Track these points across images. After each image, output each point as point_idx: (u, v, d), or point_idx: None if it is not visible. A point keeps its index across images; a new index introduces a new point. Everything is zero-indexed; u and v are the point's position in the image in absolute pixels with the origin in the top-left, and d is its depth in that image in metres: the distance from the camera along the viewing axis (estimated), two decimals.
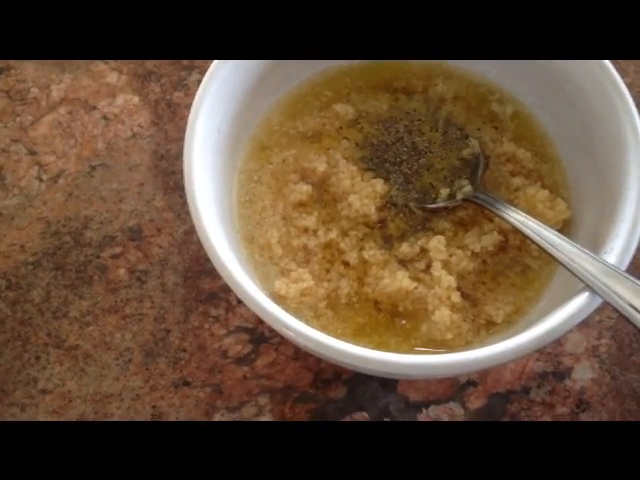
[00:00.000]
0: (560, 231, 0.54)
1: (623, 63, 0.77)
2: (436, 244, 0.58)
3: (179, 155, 0.72)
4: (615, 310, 0.47)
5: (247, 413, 0.62)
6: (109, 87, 0.78)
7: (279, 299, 0.56)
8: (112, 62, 0.80)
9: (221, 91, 0.58)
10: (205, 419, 0.62)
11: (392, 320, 0.58)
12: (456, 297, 0.57)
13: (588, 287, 0.49)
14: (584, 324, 0.64)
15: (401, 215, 0.61)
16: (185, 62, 0.79)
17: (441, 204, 0.61)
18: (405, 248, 0.59)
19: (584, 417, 0.61)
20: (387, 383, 0.62)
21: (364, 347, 0.48)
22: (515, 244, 0.60)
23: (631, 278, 0.47)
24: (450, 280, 0.57)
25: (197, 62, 0.79)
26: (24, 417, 0.62)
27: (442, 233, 0.60)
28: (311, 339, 0.48)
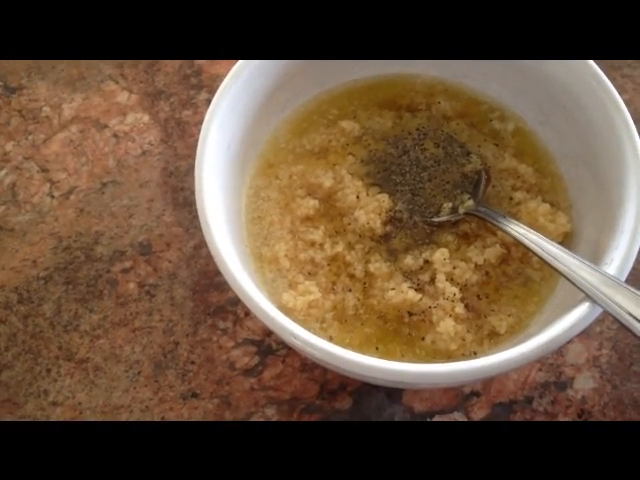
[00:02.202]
0: (561, 244, 0.55)
1: (621, 81, 0.79)
2: (440, 257, 0.59)
3: (188, 172, 0.74)
4: (615, 320, 0.48)
5: None
6: (119, 106, 0.80)
7: (287, 311, 0.57)
8: (122, 82, 0.82)
9: (231, 108, 0.59)
10: None
11: (397, 331, 0.59)
12: (460, 308, 0.58)
13: (589, 297, 0.50)
14: (585, 335, 0.65)
15: (406, 229, 0.62)
16: (194, 81, 0.81)
17: (444, 218, 0.62)
18: (409, 260, 0.60)
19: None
20: (392, 394, 0.63)
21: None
22: (517, 256, 0.61)
23: (631, 288, 0.48)
24: (454, 291, 0.58)
25: (206, 81, 0.81)
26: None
27: (446, 246, 0.61)
28: (318, 348, 0.49)
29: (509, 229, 0.58)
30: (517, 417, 0.62)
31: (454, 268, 0.60)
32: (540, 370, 0.64)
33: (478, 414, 0.63)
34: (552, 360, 0.65)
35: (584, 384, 0.64)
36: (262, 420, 0.63)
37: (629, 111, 0.57)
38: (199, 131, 0.58)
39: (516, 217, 0.61)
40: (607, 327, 0.66)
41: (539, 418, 0.62)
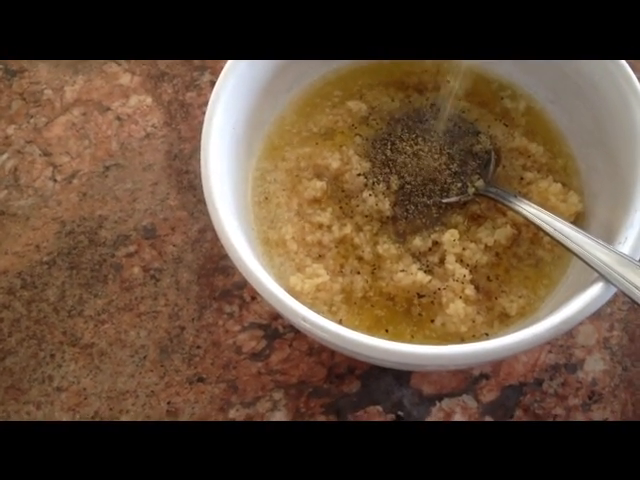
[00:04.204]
0: (573, 224, 0.55)
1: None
2: (449, 238, 0.59)
3: (192, 155, 0.73)
4: (629, 299, 0.48)
5: (262, 408, 0.62)
6: (122, 88, 0.79)
7: (295, 295, 0.56)
8: (125, 63, 0.81)
9: (237, 87, 0.58)
10: (220, 414, 0.62)
11: (406, 314, 0.58)
12: (470, 290, 0.57)
13: (602, 277, 0.49)
14: (595, 316, 0.65)
15: (414, 210, 0.62)
16: (197, 63, 0.80)
17: (454, 199, 0.62)
18: (418, 242, 0.60)
19: (596, 408, 0.62)
20: (401, 377, 0.63)
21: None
22: (528, 237, 0.60)
23: None
24: (464, 273, 0.57)
25: (209, 63, 0.80)
26: (40, 415, 0.63)
27: (455, 227, 0.60)
28: (328, 331, 0.48)
29: (520, 209, 0.57)
30: (527, 399, 0.62)
31: (464, 249, 0.59)
32: (550, 352, 0.64)
33: (487, 397, 0.62)
34: (562, 342, 0.64)
35: (594, 366, 0.63)
36: (268, 408, 0.62)
37: None
38: (203, 113, 0.57)
39: (527, 197, 0.60)
40: (618, 308, 0.66)
41: (549, 400, 0.62)
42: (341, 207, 0.62)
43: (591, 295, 0.49)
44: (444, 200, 0.62)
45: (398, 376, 0.63)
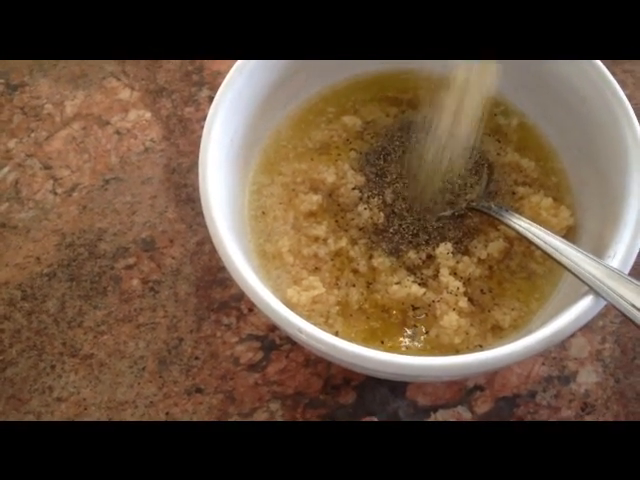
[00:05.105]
0: (564, 238, 0.55)
1: (622, 75, 0.79)
2: (443, 251, 0.60)
3: (190, 168, 0.74)
4: (619, 312, 0.48)
5: (259, 419, 0.62)
6: (122, 103, 0.80)
7: (291, 307, 0.57)
8: (124, 79, 0.82)
9: (235, 103, 0.59)
10: None
11: (401, 326, 0.59)
12: (464, 302, 0.58)
13: (592, 290, 0.50)
14: (588, 329, 0.66)
15: (409, 224, 0.62)
16: (195, 78, 0.81)
17: (447, 213, 0.63)
18: (412, 255, 0.60)
19: (589, 420, 0.62)
20: (396, 388, 0.63)
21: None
22: (520, 251, 0.61)
23: (634, 281, 0.48)
24: (458, 286, 0.58)
25: (207, 78, 0.81)
26: None
27: (449, 240, 0.61)
28: (324, 342, 0.49)
29: (512, 223, 0.58)
30: (520, 411, 0.63)
31: (457, 262, 0.60)
32: (543, 364, 0.65)
33: (482, 408, 0.63)
34: (555, 354, 0.65)
35: (587, 378, 0.64)
36: (266, 419, 0.63)
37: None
38: (201, 128, 0.58)
39: (519, 211, 0.61)
40: (610, 321, 0.66)
41: (542, 412, 0.63)
42: (337, 221, 0.63)
43: (581, 308, 0.49)
44: (438, 214, 0.63)
45: (393, 387, 0.64)
